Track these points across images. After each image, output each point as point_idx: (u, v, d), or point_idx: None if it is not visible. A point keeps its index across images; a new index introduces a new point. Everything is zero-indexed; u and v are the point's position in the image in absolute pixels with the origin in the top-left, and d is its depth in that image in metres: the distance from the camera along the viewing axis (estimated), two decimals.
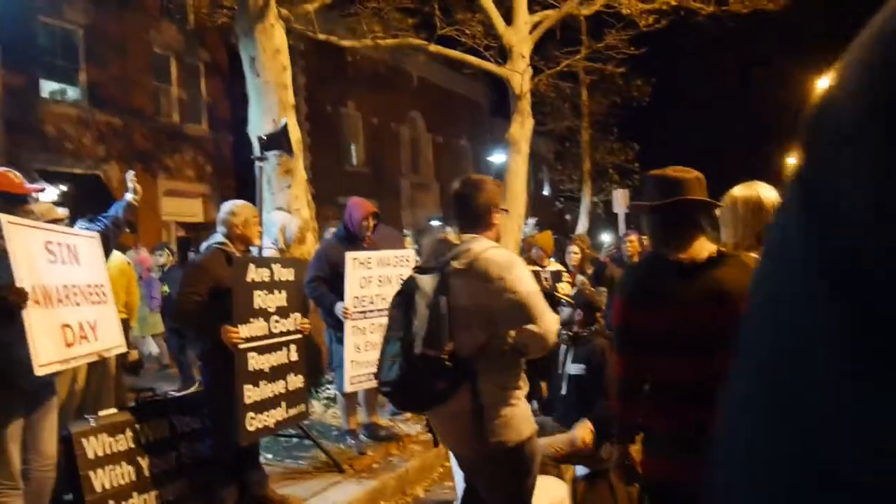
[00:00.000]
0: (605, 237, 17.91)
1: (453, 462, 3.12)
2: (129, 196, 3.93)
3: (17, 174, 3.21)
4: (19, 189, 3.16)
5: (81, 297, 3.32)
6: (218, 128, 17.44)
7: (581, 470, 4.11)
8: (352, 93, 20.69)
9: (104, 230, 3.84)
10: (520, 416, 2.61)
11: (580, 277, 6.93)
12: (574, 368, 4.26)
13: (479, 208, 2.61)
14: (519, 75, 10.53)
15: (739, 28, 10.64)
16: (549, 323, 2.50)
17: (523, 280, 2.50)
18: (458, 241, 2.63)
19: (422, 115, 25.42)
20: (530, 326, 2.47)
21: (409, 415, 5.92)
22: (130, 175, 4.01)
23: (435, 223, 22.18)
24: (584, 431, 3.97)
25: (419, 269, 2.62)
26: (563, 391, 4.33)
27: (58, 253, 3.23)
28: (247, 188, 4.56)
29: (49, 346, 2.96)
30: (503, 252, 2.59)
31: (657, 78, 17.22)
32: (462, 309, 2.45)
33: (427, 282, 2.44)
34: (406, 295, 2.47)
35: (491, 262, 2.49)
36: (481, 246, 2.54)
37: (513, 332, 2.52)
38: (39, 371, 2.84)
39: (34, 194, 3.29)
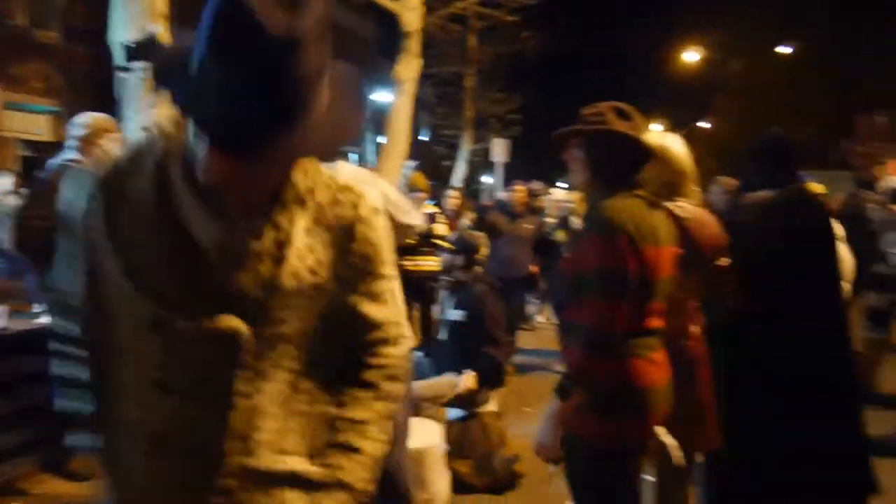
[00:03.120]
0: (487, 179, 17.87)
1: None
2: None
3: None
4: None
5: None
6: (72, 37, 15.67)
7: (454, 412, 4.14)
8: None
9: None
10: None
11: (463, 222, 6.94)
12: (454, 314, 4.25)
13: None
14: (410, 12, 10.19)
15: None
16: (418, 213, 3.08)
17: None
18: None
19: None
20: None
21: None
22: None
23: None
24: (469, 381, 3.99)
25: None
26: (444, 336, 4.31)
27: None
28: (105, 109, 4.06)
29: None
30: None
31: (546, 32, 17.35)
32: None
33: None
34: None
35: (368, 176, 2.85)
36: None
37: None
38: None
39: None
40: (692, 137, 37.10)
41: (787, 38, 33.18)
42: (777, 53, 33.42)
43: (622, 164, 2.19)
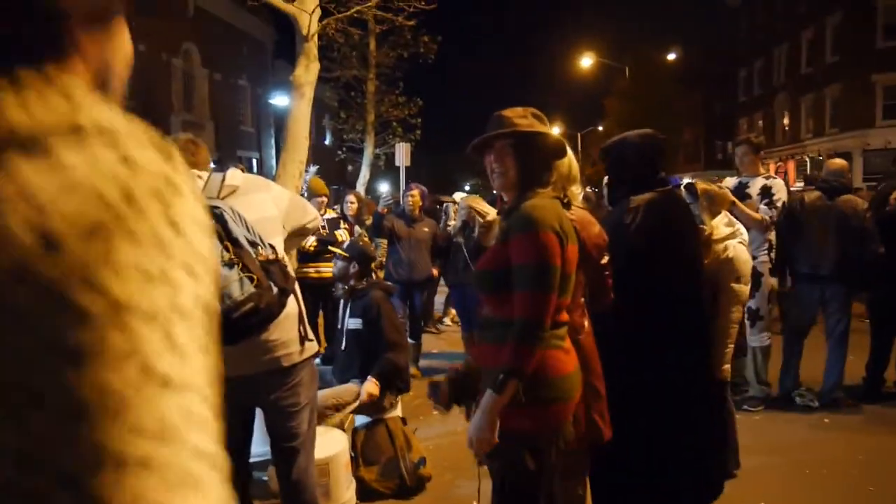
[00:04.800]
0: (383, 188, 17.99)
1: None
2: None
3: None
4: None
5: None
6: None
7: (361, 419, 4.12)
8: None
9: None
10: None
11: (358, 229, 6.88)
12: (352, 323, 4.21)
13: None
14: (307, 15, 10.01)
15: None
16: (315, 215, 2.91)
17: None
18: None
19: (197, 49, 23.44)
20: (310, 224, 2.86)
21: None
22: None
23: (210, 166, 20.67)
24: (371, 387, 3.97)
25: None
26: (343, 346, 4.27)
27: None
28: None
29: None
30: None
31: (444, 37, 17.53)
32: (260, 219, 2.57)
33: (225, 204, 2.44)
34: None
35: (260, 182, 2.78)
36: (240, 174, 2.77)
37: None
38: None
39: None
40: (588, 140, 38.61)
41: (671, 45, 35.07)
42: (664, 60, 35.25)
43: (545, 165, 2.30)
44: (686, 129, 39.41)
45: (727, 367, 3.42)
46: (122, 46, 0.67)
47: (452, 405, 2.50)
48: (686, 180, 4.34)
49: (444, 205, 8.38)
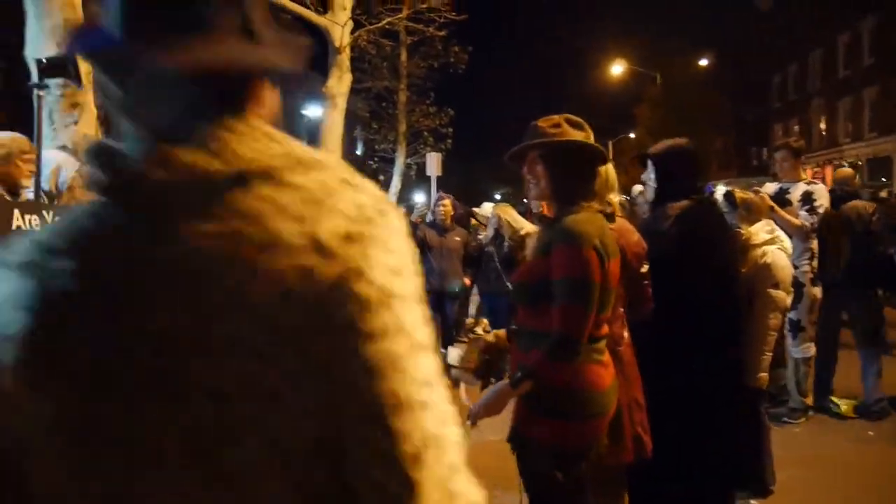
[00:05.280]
0: (418, 198, 18.18)
1: None
2: None
3: None
4: None
5: None
6: None
7: None
8: None
9: None
10: None
11: None
12: None
13: None
14: (339, 27, 10.17)
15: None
16: None
17: None
18: None
19: None
20: None
21: None
22: None
23: None
24: None
25: None
26: None
27: None
28: (22, 126, 3.90)
29: None
30: None
31: (474, 47, 17.60)
32: None
33: None
34: None
35: None
36: None
37: None
38: None
39: None
40: (620, 148, 38.39)
41: (702, 51, 34.66)
42: (695, 66, 34.83)
43: (581, 174, 2.27)
44: (718, 135, 38.89)
45: (764, 375, 3.33)
46: (275, 96, 0.84)
47: (480, 378, 2.53)
48: (720, 187, 4.27)
49: (474, 227, 8.33)
